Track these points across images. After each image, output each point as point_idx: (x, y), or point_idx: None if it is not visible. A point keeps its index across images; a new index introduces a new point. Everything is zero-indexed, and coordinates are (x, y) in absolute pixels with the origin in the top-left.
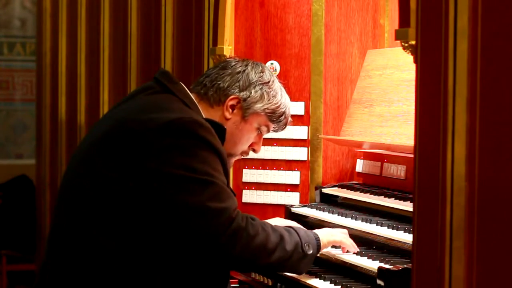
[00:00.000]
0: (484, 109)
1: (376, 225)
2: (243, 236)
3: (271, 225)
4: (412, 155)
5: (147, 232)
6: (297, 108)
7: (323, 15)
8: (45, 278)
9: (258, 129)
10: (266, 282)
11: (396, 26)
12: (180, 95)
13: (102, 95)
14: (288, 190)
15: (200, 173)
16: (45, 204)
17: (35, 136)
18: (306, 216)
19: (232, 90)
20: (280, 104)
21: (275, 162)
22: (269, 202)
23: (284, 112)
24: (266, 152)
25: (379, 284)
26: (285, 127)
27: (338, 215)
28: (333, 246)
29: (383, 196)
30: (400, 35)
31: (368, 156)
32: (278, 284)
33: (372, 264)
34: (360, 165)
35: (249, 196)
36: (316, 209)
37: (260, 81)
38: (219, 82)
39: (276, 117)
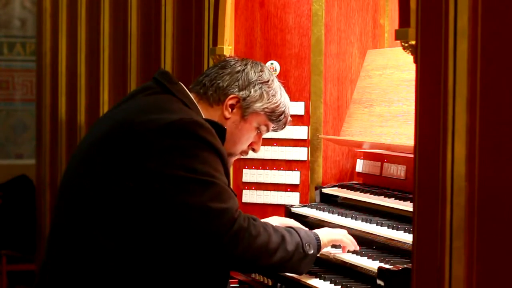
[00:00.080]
0: (484, 109)
1: (376, 225)
2: (245, 237)
3: (272, 225)
4: (412, 155)
5: (147, 233)
6: (297, 108)
7: (323, 15)
8: (45, 278)
9: (258, 128)
10: (266, 282)
11: (396, 26)
12: (180, 95)
13: (102, 95)
14: (288, 190)
15: (201, 174)
16: (45, 204)
17: (35, 136)
18: (306, 216)
19: (232, 90)
20: (280, 104)
21: (275, 162)
22: (269, 202)
23: (283, 112)
24: (266, 152)
25: (379, 284)
26: (284, 127)
27: (338, 215)
28: (333, 246)
29: (383, 196)
30: (400, 35)
31: (368, 156)
32: (278, 284)
33: (372, 264)
34: (360, 165)
35: (249, 196)
36: (316, 209)
37: (259, 80)
38: (219, 82)
39: (275, 117)
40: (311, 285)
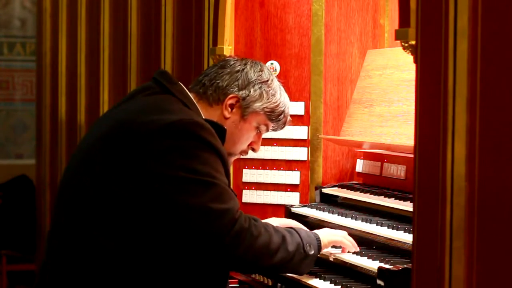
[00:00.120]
0: (484, 109)
1: (376, 225)
2: (246, 237)
3: (273, 226)
4: (412, 155)
5: (147, 233)
6: (297, 108)
7: (323, 15)
8: (45, 278)
9: (257, 128)
10: (266, 282)
11: (396, 26)
12: (180, 95)
13: (102, 95)
14: (288, 190)
15: (201, 175)
16: (45, 204)
17: (35, 136)
18: (306, 216)
19: (231, 89)
20: (279, 103)
21: (275, 162)
22: (269, 202)
23: (283, 111)
24: (266, 152)
25: (379, 284)
26: (284, 126)
27: (338, 215)
28: (333, 246)
29: (383, 196)
30: (400, 35)
31: (368, 156)
32: (278, 284)
33: (372, 264)
34: (360, 165)
35: (249, 196)
36: (316, 209)
37: (259, 80)
38: (218, 81)
39: (275, 116)
40: (311, 285)
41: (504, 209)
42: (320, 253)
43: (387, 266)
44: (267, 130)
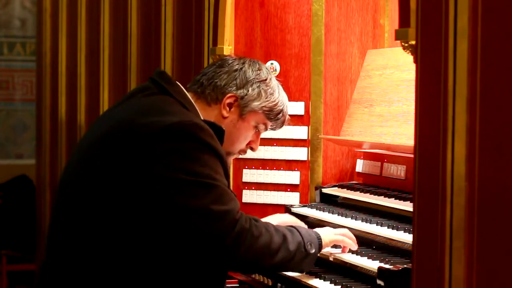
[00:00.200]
0: (484, 109)
1: (376, 225)
2: (247, 238)
3: (273, 225)
4: (412, 155)
5: (147, 234)
6: (297, 108)
7: (323, 15)
8: (45, 278)
9: (256, 127)
10: (266, 282)
11: (396, 26)
12: (178, 96)
13: (102, 95)
14: (288, 190)
15: (202, 177)
16: (45, 204)
17: (35, 136)
18: (306, 216)
19: (229, 88)
20: (278, 102)
21: (275, 162)
22: (269, 202)
23: (281, 110)
24: (266, 152)
25: (379, 284)
26: (283, 125)
27: (338, 215)
28: (334, 246)
29: (383, 196)
30: (400, 35)
31: (368, 156)
32: (278, 284)
33: (372, 264)
34: (360, 165)
35: (249, 196)
36: (316, 209)
37: (257, 79)
38: (216, 81)
39: (273, 115)
40: (311, 285)
41: (504, 209)
42: (321, 252)
43: (387, 266)
44: (266, 129)
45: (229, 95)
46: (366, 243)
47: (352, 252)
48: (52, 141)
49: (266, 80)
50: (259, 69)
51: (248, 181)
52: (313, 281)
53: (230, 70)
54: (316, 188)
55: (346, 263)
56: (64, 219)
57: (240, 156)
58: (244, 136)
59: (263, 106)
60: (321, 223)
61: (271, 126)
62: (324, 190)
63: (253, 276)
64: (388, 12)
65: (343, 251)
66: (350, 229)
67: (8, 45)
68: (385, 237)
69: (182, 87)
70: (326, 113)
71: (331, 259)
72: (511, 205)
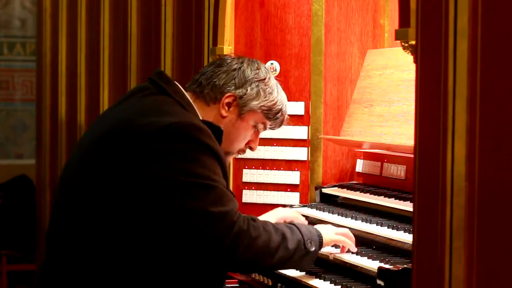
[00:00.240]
0: (484, 109)
1: (376, 225)
2: (245, 239)
3: (272, 224)
4: (412, 155)
5: (147, 234)
6: (297, 108)
7: (323, 15)
8: (45, 278)
9: (255, 126)
10: (266, 282)
11: (396, 26)
12: (177, 96)
13: (102, 95)
14: (288, 190)
15: (201, 178)
16: (45, 204)
17: (35, 136)
18: (306, 216)
19: (228, 88)
20: (277, 101)
21: (275, 162)
22: (269, 202)
23: (280, 109)
24: (266, 152)
25: (379, 284)
26: (282, 125)
27: (338, 215)
28: (333, 245)
29: (383, 196)
30: (400, 35)
31: (368, 156)
32: (278, 284)
33: (372, 264)
34: (360, 165)
35: (249, 196)
36: (316, 209)
37: (256, 78)
38: (215, 80)
39: (272, 114)
40: (311, 285)
41: (504, 209)
42: (320, 252)
43: (387, 266)
44: (265, 129)
45: (227, 94)
46: (366, 243)
47: (352, 252)
48: (52, 141)
49: (265, 79)
50: (258, 69)
51: (248, 181)
52: (313, 281)
53: (228, 69)
54: (316, 188)
55: (346, 263)
56: (64, 218)
57: (240, 156)
58: (243, 136)
59: (262, 106)
60: (321, 223)
61: (270, 125)
62: (324, 190)
63: (253, 276)
64: (388, 12)
65: (341, 251)
66: (350, 229)
67: (8, 45)
68: (385, 237)
69: (180, 87)
70: (326, 113)
71: (331, 258)
72: (511, 205)
